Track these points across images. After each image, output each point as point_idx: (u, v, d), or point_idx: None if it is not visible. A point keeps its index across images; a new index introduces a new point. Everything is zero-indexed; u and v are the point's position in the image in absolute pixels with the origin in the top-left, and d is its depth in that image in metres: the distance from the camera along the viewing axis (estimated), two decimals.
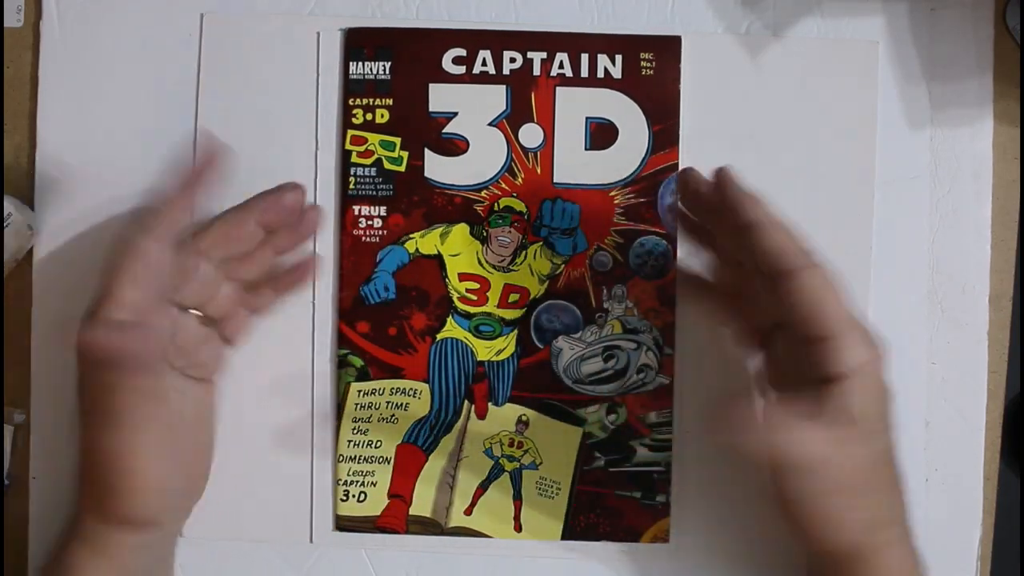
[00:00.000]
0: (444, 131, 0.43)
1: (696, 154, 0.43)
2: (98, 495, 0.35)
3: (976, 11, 0.44)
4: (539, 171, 0.43)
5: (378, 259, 0.43)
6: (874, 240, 0.43)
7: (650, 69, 0.43)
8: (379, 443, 0.43)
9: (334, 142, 0.44)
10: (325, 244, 0.44)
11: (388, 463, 0.43)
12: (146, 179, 0.43)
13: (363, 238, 0.43)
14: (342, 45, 0.44)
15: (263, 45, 0.44)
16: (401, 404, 0.43)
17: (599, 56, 0.43)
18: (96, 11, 0.44)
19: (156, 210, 0.36)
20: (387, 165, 0.43)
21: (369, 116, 0.43)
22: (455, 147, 0.43)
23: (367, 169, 0.43)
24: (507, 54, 0.43)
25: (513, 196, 0.43)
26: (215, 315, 0.40)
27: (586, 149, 0.43)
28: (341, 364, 0.43)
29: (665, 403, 0.43)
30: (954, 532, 0.43)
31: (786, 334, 0.37)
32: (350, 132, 0.44)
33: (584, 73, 0.43)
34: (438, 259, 0.43)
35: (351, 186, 0.43)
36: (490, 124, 0.43)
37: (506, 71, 0.43)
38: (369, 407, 0.43)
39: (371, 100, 0.43)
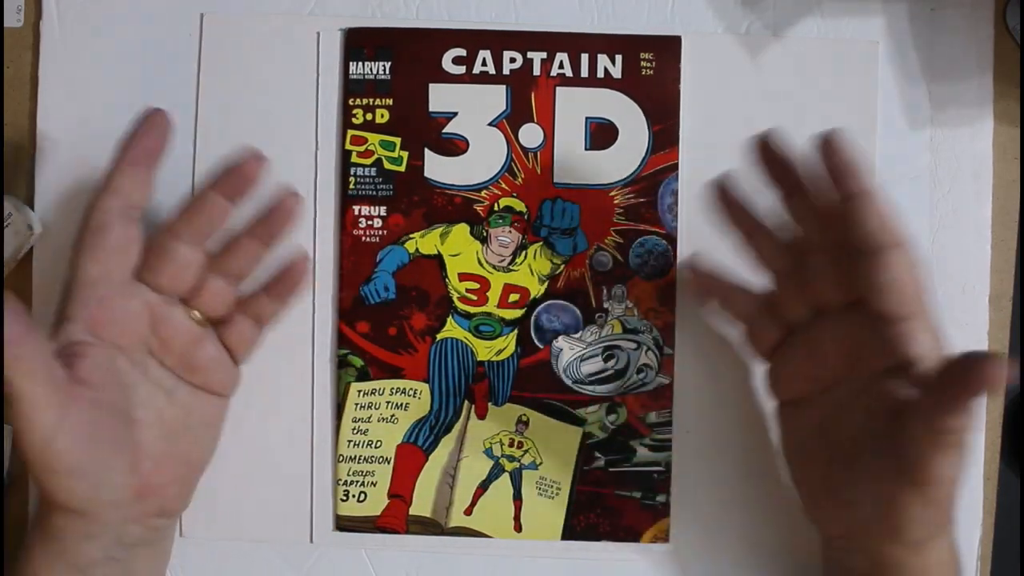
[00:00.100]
0: (444, 131, 0.43)
1: (696, 154, 0.43)
2: (30, 474, 0.34)
3: (976, 11, 0.44)
4: (539, 171, 0.43)
5: (378, 259, 0.43)
6: None
7: (650, 69, 0.43)
8: (379, 443, 0.43)
9: (334, 142, 0.44)
10: (325, 244, 0.44)
11: (388, 463, 0.43)
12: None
13: (363, 238, 0.43)
14: (342, 45, 0.44)
15: (263, 45, 0.44)
16: (401, 404, 0.43)
17: (599, 56, 0.43)
18: (96, 11, 0.44)
19: (107, 186, 0.36)
20: (387, 165, 0.43)
21: (369, 116, 0.43)
22: (455, 147, 0.43)
23: (367, 169, 0.43)
24: (507, 54, 0.43)
25: (513, 196, 0.43)
26: (210, 313, 0.39)
27: (586, 149, 0.43)
28: (341, 364, 0.43)
29: (665, 403, 0.43)
30: (954, 532, 0.43)
31: (841, 317, 0.36)
32: (350, 132, 0.44)
33: (584, 73, 0.43)
34: (438, 259, 0.43)
35: (351, 186, 0.43)
36: (490, 124, 0.43)
37: (506, 71, 0.43)
38: (369, 407, 0.43)
39: (371, 100, 0.43)
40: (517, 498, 0.43)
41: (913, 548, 0.35)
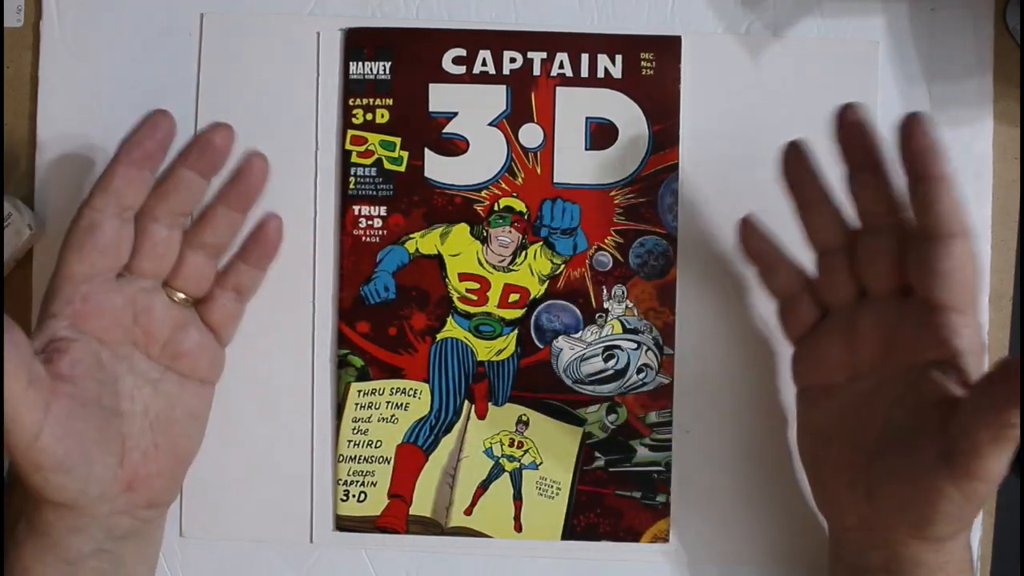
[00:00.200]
0: (444, 131, 0.43)
1: (696, 154, 0.43)
2: (17, 471, 0.34)
3: (976, 11, 0.44)
4: (539, 171, 0.43)
5: (378, 259, 0.43)
6: None
7: (650, 69, 0.43)
8: (379, 443, 0.43)
9: (334, 142, 0.44)
10: (325, 244, 0.44)
11: (388, 463, 0.43)
12: None
13: (363, 238, 0.43)
14: (342, 45, 0.44)
15: (263, 45, 0.44)
16: (401, 404, 0.43)
17: (599, 56, 0.43)
18: (96, 11, 0.44)
19: (102, 185, 0.36)
20: (387, 165, 0.43)
21: (369, 116, 0.43)
22: (455, 147, 0.43)
23: (367, 169, 0.43)
24: (507, 54, 0.43)
25: (513, 196, 0.43)
26: (192, 293, 0.39)
27: (586, 149, 0.43)
28: (341, 364, 0.43)
29: (665, 403, 0.43)
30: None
31: (884, 304, 0.36)
32: (350, 132, 0.44)
33: (584, 73, 0.43)
34: (438, 259, 0.43)
35: (351, 186, 0.43)
36: (490, 124, 0.43)
37: (506, 71, 0.43)
38: (369, 407, 0.43)
39: (371, 100, 0.43)
40: (517, 498, 0.43)
41: (933, 544, 0.34)
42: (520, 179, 0.43)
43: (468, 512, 0.43)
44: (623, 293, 0.43)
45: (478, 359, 0.43)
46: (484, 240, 0.43)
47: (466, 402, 0.43)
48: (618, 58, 0.43)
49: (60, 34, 0.44)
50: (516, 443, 0.43)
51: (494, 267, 0.43)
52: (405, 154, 0.43)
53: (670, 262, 0.43)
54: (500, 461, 0.43)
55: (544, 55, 0.43)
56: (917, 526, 0.34)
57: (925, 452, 0.33)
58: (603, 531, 0.43)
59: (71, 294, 0.36)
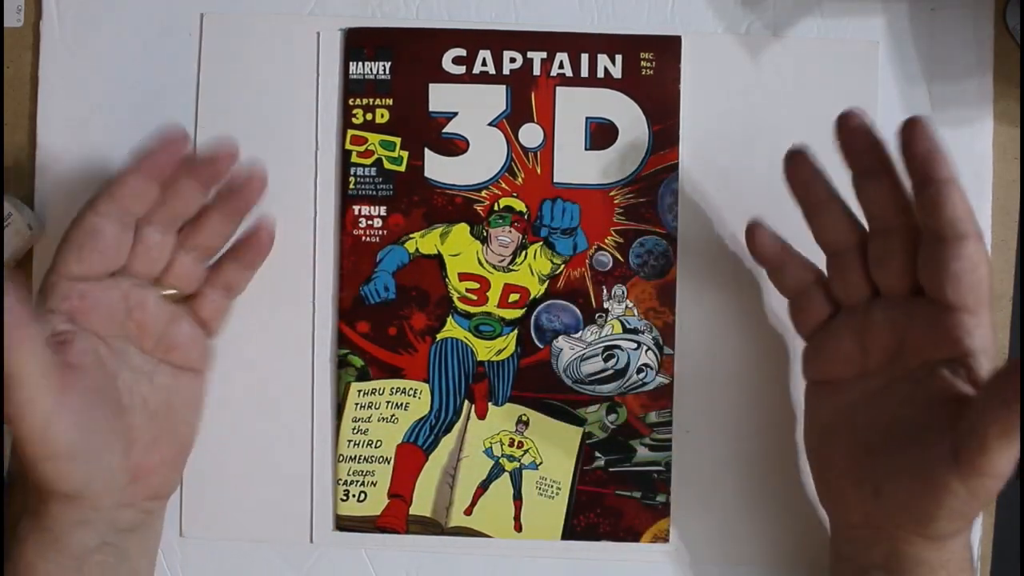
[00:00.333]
0: (444, 131, 0.43)
1: (696, 154, 0.43)
2: (25, 461, 0.34)
3: (976, 11, 0.44)
4: (539, 171, 0.43)
5: (378, 259, 0.43)
6: None
7: (650, 69, 0.43)
8: (379, 443, 0.43)
9: (334, 142, 0.44)
10: (325, 244, 0.44)
11: (388, 463, 0.43)
12: None
13: (363, 238, 0.43)
14: (342, 45, 0.44)
15: (263, 45, 0.44)
16: (401, 404, 0.43)
17: (599, 56, 0.43)
18: (96, 11, 0.44)
19: (109, 190, 0.37)
20: (387, 165, 0.43)
21: (369, 116, 0.43)
22: (455, 147, 0.43)
23: (367, 169, 0.43)
24: (507, 54, 0.43)
25: (513, 196, 0.43)
26: (182, 290, 0.40)
27: (586, 149, 0.43)
28: (341, 364, 0.43)
29: (665, 403, 0.43)
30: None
31: (896, 303, 0.36)
32: (350, 132, 0.44)
33: (584, 73, 0.43)
34: (438, 259, 0.43)
35: (351, 186, 0.43)
36: (490, 124, 0.43)
37: (506, 71, 0.43)
38: (369, 407, 0.43)
39: (371, 100, 0.43)
40: (517, 498, 0.43)
41: (935, 542, 0.34)
42: (520, 179, 0.43)
43: (468, 512, 0.43)
44: (623, 293, 0.43)
45: (478, 359, 0.43)
46: (484, 240, 0.43)
47: (466, 402, 0.43)
48: (618, 58, 0.43)
49: (60, 34, 0.44)
50: (516, 443, 0.43)
51: (494, 267, 0.43)
52: (405, 154, 0.43)
53: (670, 262, 0.43)
54: (500, 461, 0.43)
55: (544, 55, 0.43)
56: (921, 523, 0.34)
57: (934, 449, 0.33)
58: (603, 531, 0.43)
59: (68, 291, 0.36)
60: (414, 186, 0.43)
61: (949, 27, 0.44)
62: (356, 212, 0.43)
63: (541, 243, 0.43)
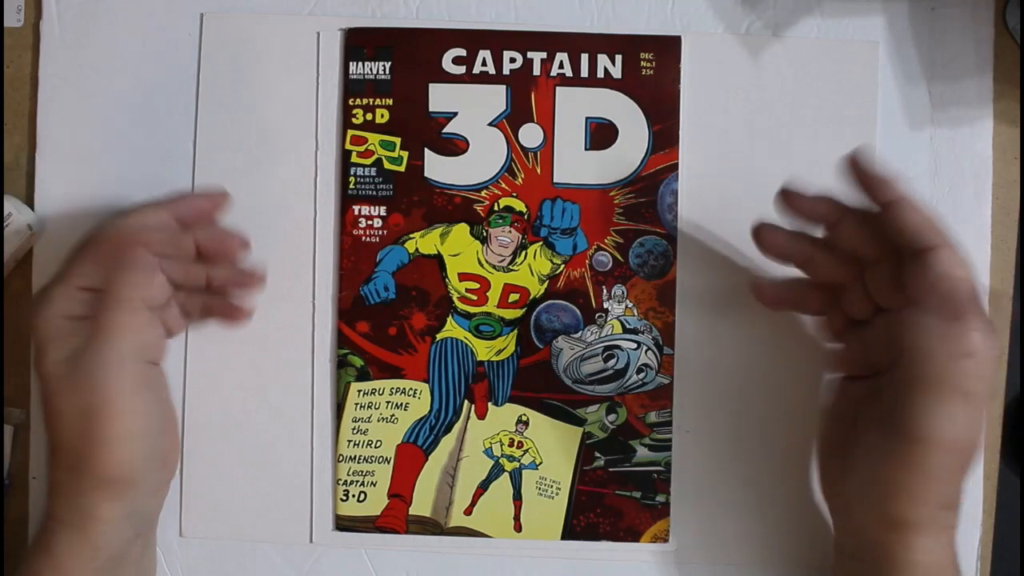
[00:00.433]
0: (444, 131, 0.43)
1: (696, 154, 0.43)
2: (75, 453, 0.35)
3: (976, 11, 0.44)
4: (539, 171, 0.43)
5: (378, 259, 0.43)
6: None
7: (650, 69, 0.43)
8: (379, 443, 0.43)
9: (334, 142, 0.44)
10: (325, 244, 0.44)
11: (388, 463, 0.43)
12: (145, 179, 0.44)
13: (363, 238, 0.43)
14: (342, 45, 0.44)
15: (263, 45, 0.44)
16: (401, 404, 0.43)
17: (599, 56, 0.43)
18: (96, 11, 0.44)
19: (135, 212, 0.38)
20: (387, 165, 0.43)
21: (369, 116, 0.43)
22: (455, 147, 0.43)
23: (367, 169, 0.43)
24: (507, 54, 0.43)
25: (513, 196, 0.43)
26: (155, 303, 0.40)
27: (586, 149, 0.43)
28: (341, 364, 0.43)
29: (665, 403, 0.43)
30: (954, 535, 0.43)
31: (891, 317, 0.36)
32: (350, 132, 0.44)
33: (584, 73, 0.43)
34: (438, 259, 0.43)
35: (351, 186, 0.43)
36: (490, 124, 0.43)
37: (506, 71, 0.43)
38: (369, 407, 0.43)
39: (371, 100, 0.43)
40: (517, 498, 0.43)
41: (911, 539, 0.35)
42: (520, 179, 0.43)
43: (468, 512, 0.43)
44: (623, 293, 0.43)
45: (478, 359, 0.43)
46: (484, 240, 0.43)
47: (466, 402, 0.43)
48: (618, 58, 0.43)
49: (60, 34, 0.44)
50: (516, 443, 0.43)
51: (494, 267, 0.43)
52: (405, 154, 0.43)
53: (670, 262, 0.43)
54: (500, 461, 0.43)
55: (544, 55, 0.43)
56: (879, 504, 0.35)
57: (884, 431, 0.35)
58: (603, 531, 0.43)
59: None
60: (414, 186, 0.43)
61: (949, 27, 0.44)
62: (356, 212, 0.43)
63: (541, 243, 0.43)
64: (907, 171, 0.44)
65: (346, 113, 0.44)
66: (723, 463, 0.43)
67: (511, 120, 0.43)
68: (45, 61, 0.44)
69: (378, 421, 0.43)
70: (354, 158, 0.44)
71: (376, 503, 0.43)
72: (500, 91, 0.43)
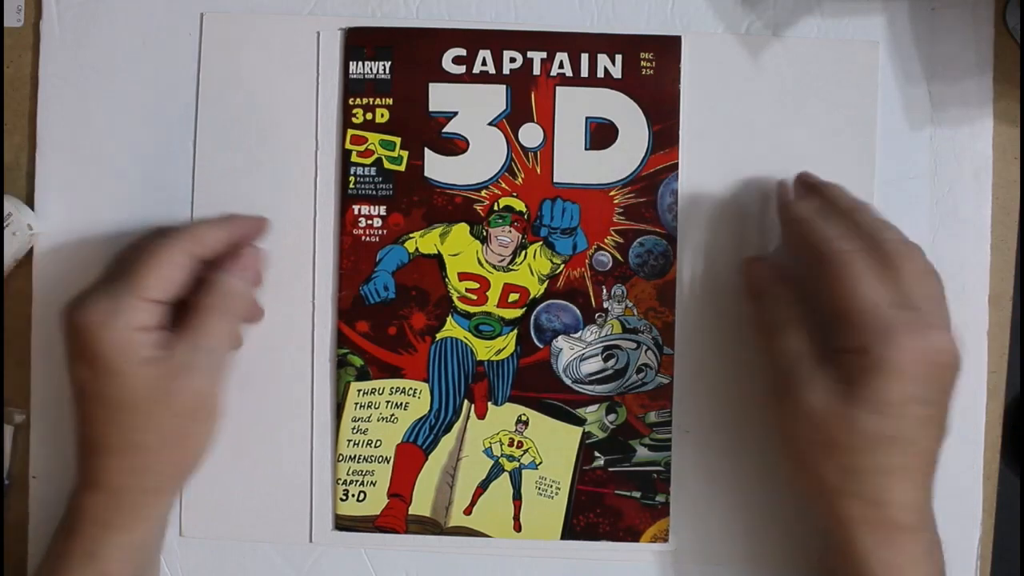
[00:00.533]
0: (444, 131, 0.43)
1: (696, 154, 0.43)
2: (162, 456, 0.37)
3: (976, 11, 0.44)
4: (539, 171, 0.43)
5: (378, 259, 0.43)
6: None
7: (650, 69, 0.43)
8: (379, 443, 0.43)
9: (334, 142, 0.44)
10: (325, 244, 0.44)
11: (388, 462, 0.43)
12: (145, 179, 0.44)
13: (363, 238, 0.43)
14: (342, 45, 0.44)
15: (263, 45, 0.44)
16: (401, 404, 0.43)
17: (599, 56, 0.43)
18: (96, 11, 0.44)
19: (199, 229, 0.39)
20: (387, 165, 0.43)
21: (369, 116, 0.43)
22: (455, 147, 0.43)
23: (367, 169, 0.43)
24: (507, 54, 0.43)
25: (513, 196, 0.43)
26: None
27: (586, 149, 0.43)
28: (341, 364, 0.43)
29: (665, 403, 0.43)
30: (954, 532, 0.43)
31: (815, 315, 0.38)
32: (350, 132, 0.44)
33: (584, 73, 0.43)
34: (438, 259, 0.43)
35: (351, 185, 0.43)
36: (490, 124, 0.43)
37: (506, 71, 0.43)
38: (369, 407, 0.43)
39: (371, 100, 0.43)
40: (517, 498, 0.43)
41: (884, 538, 0.35)
42: (520, 179, 0.43)
43: (468, 512, 0.43)
44: (623, 293, 0.43)
45: (478, 359, 0.43)
46: (484, 240, 0.43)
47: (466, 402, 0.43)
48: (618, 58, 0.43)
49: (60, 34, 0.44)
50: (516, 443, 0.43)
51: (494, 267, 0.43)
52: (405, 154, 0.43)
53: (670, 262, 0.43)
54: (500, 461, 0.43)
55: (544, 55, 0.43)
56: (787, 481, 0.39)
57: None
58: (603, 531, 0.43)
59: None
60: (414, 186, 0.43)
61: (949, 27, 0.44)
62: (356, 212, 0.43)
63: (541, 243, 0.43)
64: (907, 171, 0.44)
65: (346, 113, 0.44)
66: (723, 463, 0.43)
67: (511, 120, 0.43)
68: (45, 61, 0.44)
69: (378, 421, 0.43)
70: (354, 158, 0.44)
71: (376, 503, 0.43)
72: (500, 91, 0.43)
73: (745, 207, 0.43)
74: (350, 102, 0.43)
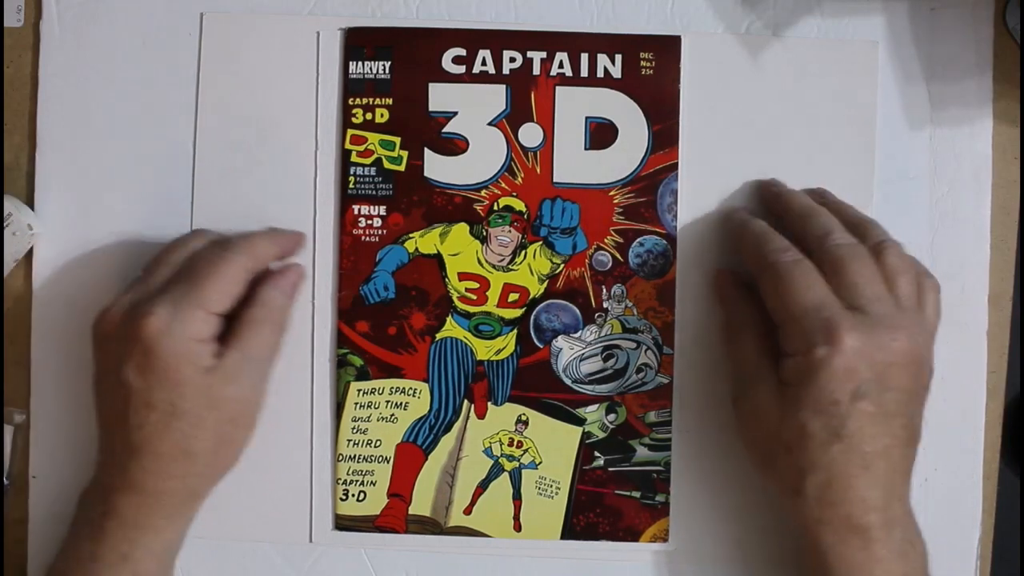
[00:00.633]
0: (444, 131, 0.43)
1: (696, 154, 0.43)
2: (206, 459, 0.38)
3: (976, 11, 0.44)
4: (539, 171, 0.43)
5: (378, 259, 0.43)
6: None
7: (650, 69, 0.43)
8: (379, 442, 0.43)
9: (334, 142, 0.44)
10: (325, 244, 0.44)
11: (388, 462, 0.43)
12: (145, 179, 0.44)
13: (363, 238, 0.43)
14: (342, 45, 0.44)
15: (263, 45, 0.44)
16: (401, 403, 0.43)
17: (599, 56, 0.43)
18: (96, 11, 0.44)
19: (251, 243, 0.40)
20: (387, 165, 0.43)
21: (369, 116, 0.44)
22: (455, 147, 0.43)
23: (367, 169, 0.44)
24: (507, 54, 0.43)
25: (513, 196, 0.43)
26: None
27: (586, 149, 0.43)
28: (341, 364, 0.43)
29: (665, 403, 0.43)
30: (954, 532, 0.43)
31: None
32: (350, 132, 0.44)
33: (584, 73, 0.43)
34: (438, 259, 0.43)
35: (351, 185, 0.43)
36: (490, 124, 0.43)
37: (506, 71, 0.43)
38: (369, 406, 0.43)
39: (371, 100, 0.43)
40: (517, 498, 0.43)
41: (857, 537, 0.35)
42: (520, 179, 0.43)
43: (467, 512, 0.43)
44: (623, 293, 0.43)
45: (478, 359, 0.43)
46: (484, 240, 0.43)
47: (465, 401, 0.43)
48: (618, 58, 0.43)
49: (60, 34, 0.44)
50: (515, 443, 0.43)
51: (494, 267, 0.43)
52: (405, 154, 0.43)
53: (670, 262, 0.43)
54: (499, 461, 0.43)
55: (544, 55, 0.43)
56: (764, 475, 0.39)
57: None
58: (602, 531, 0.43)
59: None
60: (414, 186, 0.43)
61: (949, 27, 0.44)
62: (356, 212, 0.43)
63: (541, 243, 0.43)
64: (907, 171, 0.44)
65: (346, 113, 0.44)
66: (723, 463, 0.43)
67: (511, 120, 0.43)
68: (45, 61, 0.44)
69: (378, 420, 0.43)
70: (354, 158, 0.44)
71: (376, 503, 0.43)
72: (500, 91, 0.43)
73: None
74: (350, 102, 0.44)
